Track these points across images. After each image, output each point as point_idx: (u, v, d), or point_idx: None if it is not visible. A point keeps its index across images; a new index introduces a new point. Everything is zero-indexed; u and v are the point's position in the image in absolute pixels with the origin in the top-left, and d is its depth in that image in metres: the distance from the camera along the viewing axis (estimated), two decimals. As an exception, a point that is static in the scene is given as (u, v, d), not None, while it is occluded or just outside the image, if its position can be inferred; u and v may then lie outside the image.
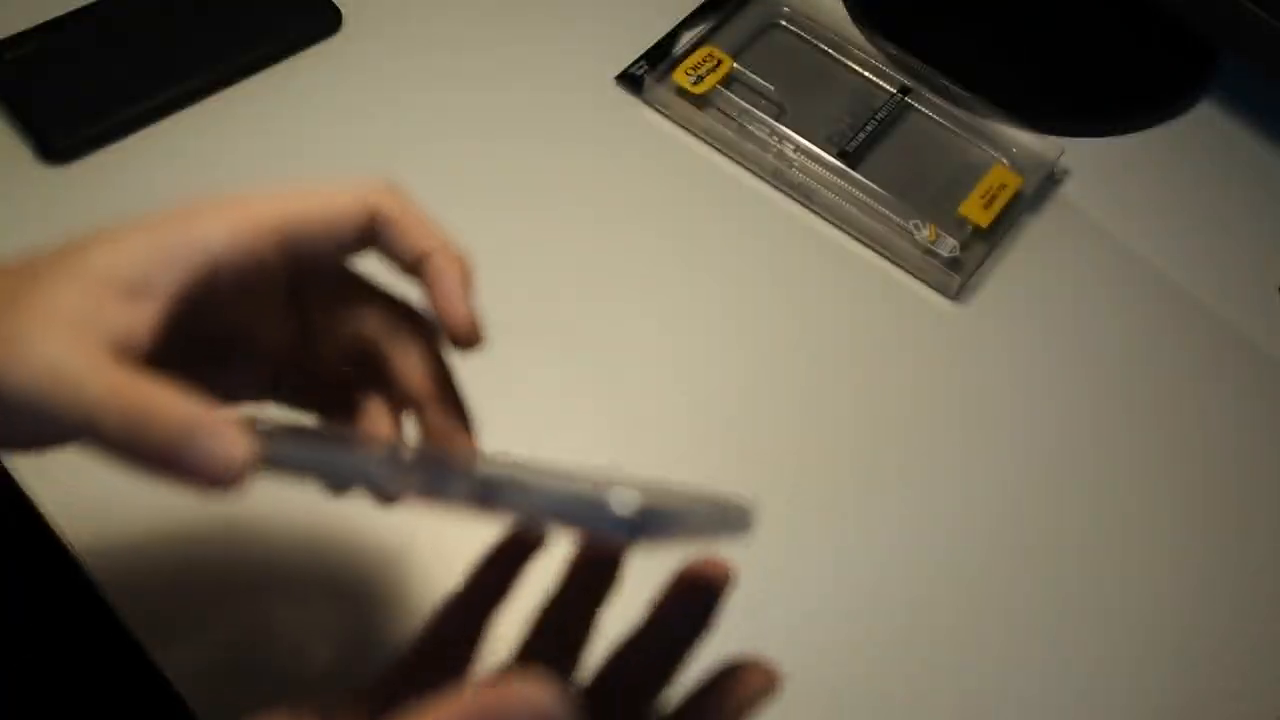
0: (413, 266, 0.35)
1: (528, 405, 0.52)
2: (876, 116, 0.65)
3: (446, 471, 0.30)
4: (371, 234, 0.34)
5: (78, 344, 0.29)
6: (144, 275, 0.30)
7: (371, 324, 0.36)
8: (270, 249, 0.32)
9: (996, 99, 0.67)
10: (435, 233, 0.35)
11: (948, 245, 0.60)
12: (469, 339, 0.35)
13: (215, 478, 0.29)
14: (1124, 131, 0.69)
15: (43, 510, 0.45)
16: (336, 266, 0.36)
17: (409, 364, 0.36)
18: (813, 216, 0.62)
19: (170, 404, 0.29)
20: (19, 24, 0.58)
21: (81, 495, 0.46)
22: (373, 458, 0.32)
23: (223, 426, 0.29)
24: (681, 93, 0.63)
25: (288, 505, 0.47)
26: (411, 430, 0.37)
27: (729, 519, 0.31)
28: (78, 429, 0.29)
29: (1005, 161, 0.65)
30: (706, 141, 0.63)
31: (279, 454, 0.30)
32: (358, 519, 0.46)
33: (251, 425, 0.30)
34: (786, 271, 0.60)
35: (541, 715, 0.25)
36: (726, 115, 0.63)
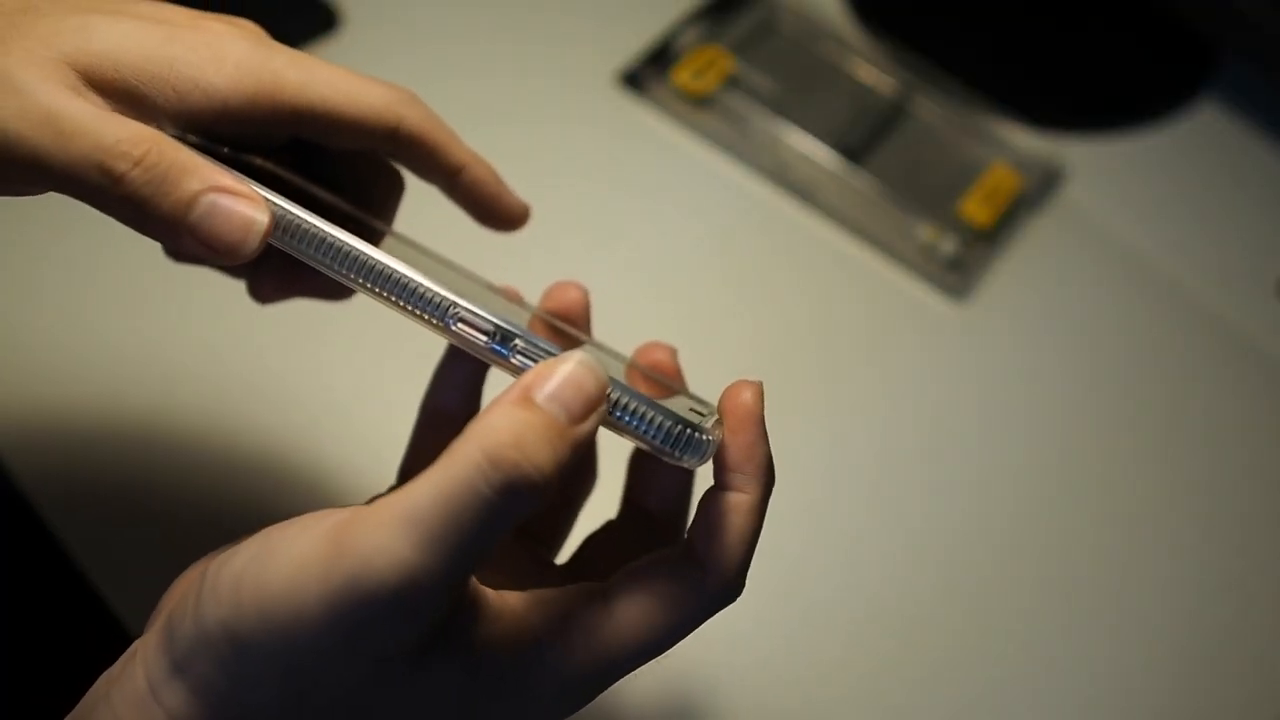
0: (447, 178, 0.35)
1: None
2: (876, 116, 0.65)
3: (509, 327, 0.28)
4: (392, 144, 0.34)
5: (78, 90, 0.28)
6: (139, 91, 0.29)
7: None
8: (283, 122, 0.32)
9: (997, 99, 0.67)
10: (464, 145, 0.35)
11: (948, 245, 0.60)
12: (523, 216, 0.38)
13: (230, 242, 0.28)
14: (1124, 131, 0.69)
15: (38, 509, 0.45)
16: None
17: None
18: (813, 216, 0.62)
19: (192, 161, 0.28)
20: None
21: (75, 487, 0.46)
22: (430, 286, 0.29)
23: (244, 189, 0.28)
24: (682, 92, 0.63)
25: (291, 505, 0.47)
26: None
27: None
28: (83, 182, 0.28)
29: (1006, 161, 0.65)
30: (706, 141, 0.63)
31: (294, 227, 0.28)
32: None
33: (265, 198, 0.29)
34: (786, 271, 0.60)
35: (588, 367, 0.25)
36: (727, 115, 0.63)
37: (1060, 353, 0.60)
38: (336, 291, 0.37)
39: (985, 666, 0.50)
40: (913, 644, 0.50)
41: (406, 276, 0.28)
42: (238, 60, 0.31)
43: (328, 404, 0.50)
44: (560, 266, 0.57)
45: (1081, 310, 0.62)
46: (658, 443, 0.27)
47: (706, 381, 0.57)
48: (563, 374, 0.25)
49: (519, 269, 0.56)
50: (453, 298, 0.28)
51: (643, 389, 0.31)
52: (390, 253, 0.28)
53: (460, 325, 0.28)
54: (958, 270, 0.60)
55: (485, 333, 0.28)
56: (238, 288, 0.38)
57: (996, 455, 0.56)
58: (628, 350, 0.36)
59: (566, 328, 0.35)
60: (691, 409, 0.29)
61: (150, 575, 0.45)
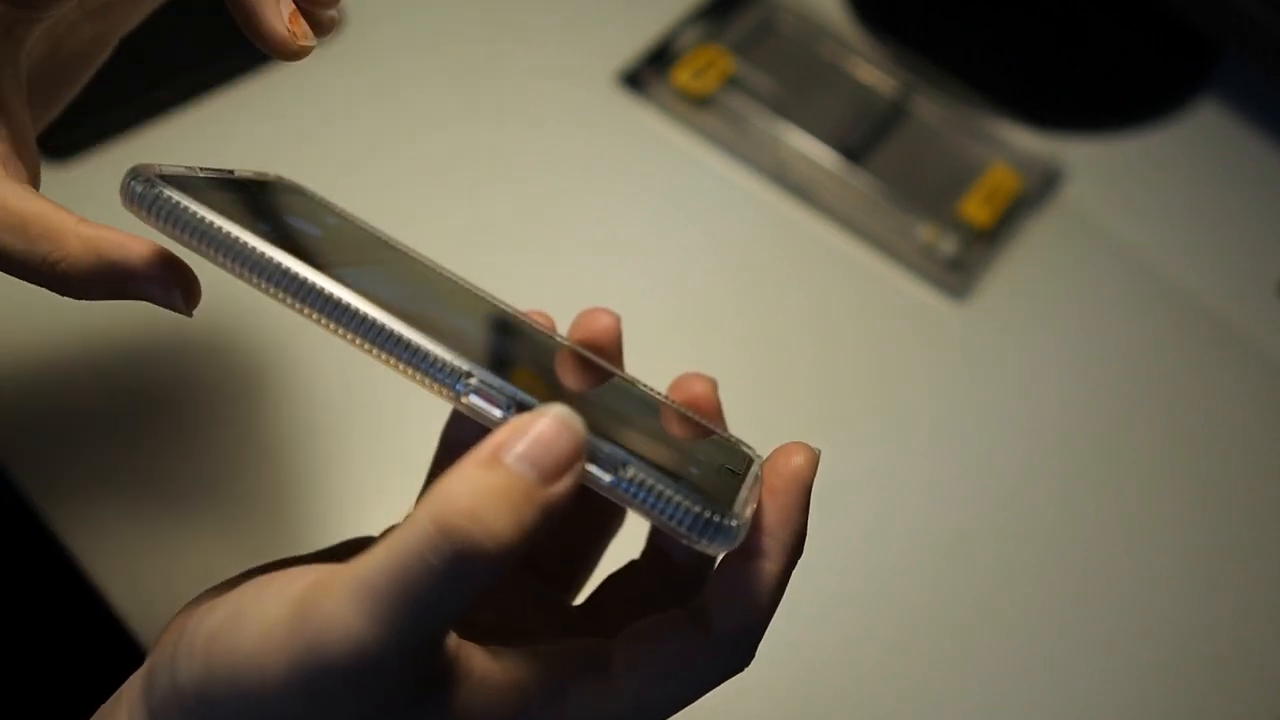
0: None
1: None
2: (876, 116, 0.65)
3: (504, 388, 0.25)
4: None
5: None
6: None
7: None
8: None
9: (997, 98, 0.67)
10: None
11: (948, 245, 0.60)
12: (287, 50, 0.31)
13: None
14: (1124, 131, 0.69)
15: (43, 514, 0.45)
16: None
17: None
18: (813, 216, 0.62)
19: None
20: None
21: (76, 488, 0.46)
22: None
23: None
24: (682, 92, 0.63)
25: (291, 505, 0.47)
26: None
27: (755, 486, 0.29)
28: None
29: (1006, 161, 0.65)
30: (706, 141, 0.63)
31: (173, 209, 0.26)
32: (373, 525, 0.47)
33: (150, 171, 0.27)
34: (786, 271, 0.60)
35: (563, 423, 0.24)
36: (727, 115, 0.63)
37: (1060, 352, 0.60)
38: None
39: (984, 666, 0.50)
40: (912, 643, 0.50)
41: (316, 285, 0.25)
42: None
43: (341, 403, 0.50)
44: (560, 267, 0.57)
45: (1081, 310, 0.62)
46: (680, 528, 0.25)
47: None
48: (535, 431, 0.24)
49: (518, 269, 0.56)
50: (410, 336, 0.25)
51: (678, 431, 0.30)
52: (356, 274, 0.26)
53: (405, 363, 0.25)
54: (958, 270, 0.60)
55: (449, 375, 0.25)
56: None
57: (996, 454, 0.56)
58: (665, 377, 0.35)
59: (595, 358, 0.33)
60: (725, 467, 0.27)
61: (152, 576, 0.45)
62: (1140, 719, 0.49)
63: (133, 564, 0.45)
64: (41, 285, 0.29)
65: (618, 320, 0.34)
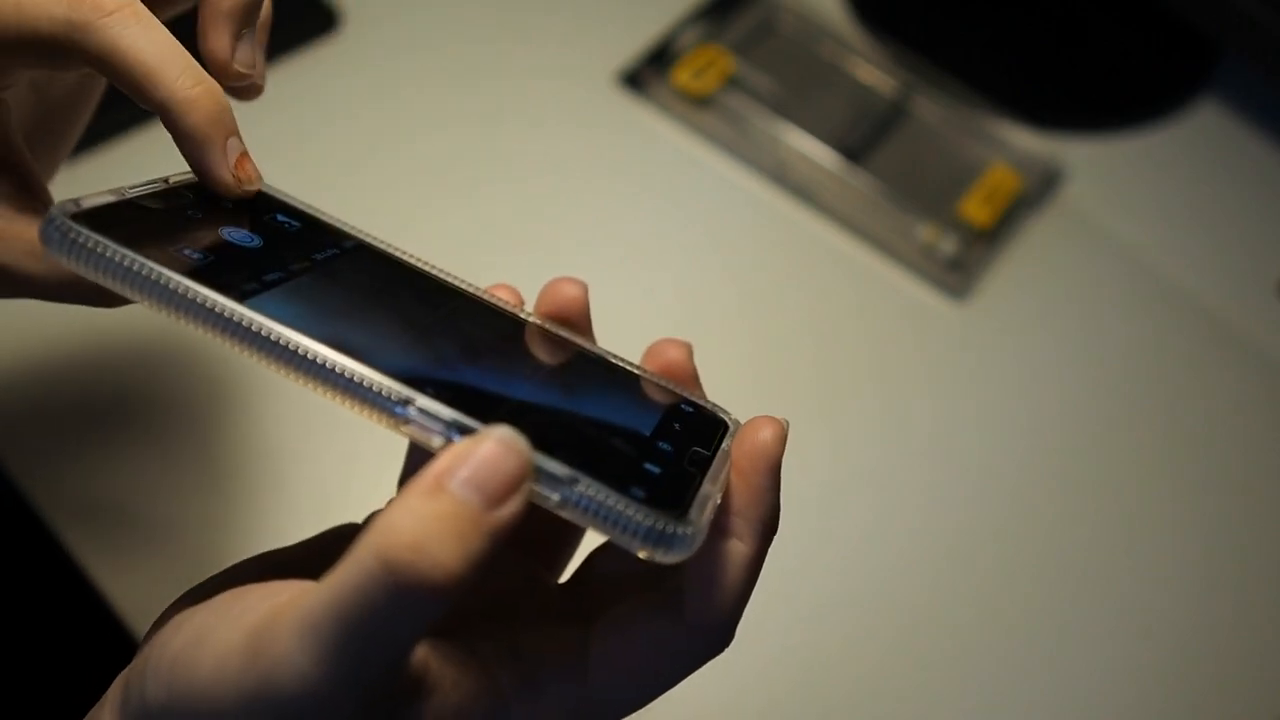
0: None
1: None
2: (876, 116, 0.65)
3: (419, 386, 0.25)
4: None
5: None
6: None
7: None
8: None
9: (997, 99, 0.67)
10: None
11: (948, 245, 0.60)
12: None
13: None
14: (1124, 131, 0.69)
15: (39, 509, 0.45)
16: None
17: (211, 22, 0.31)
18: (813, 216, 0.62)
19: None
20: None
21: (77, 489, 0.46)
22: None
23: None
24: (682, 92, 0.63)
25: (290, 505, 0.47)
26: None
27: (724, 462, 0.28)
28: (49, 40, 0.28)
29: (1006, 161, 0.65)
30: (706, 141, 0.63)
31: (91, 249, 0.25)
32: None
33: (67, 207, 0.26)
34: (786, 271, 0.60)
35: (507, 445, 0.23)
36: (727, 115, 0.63)
37: (1060, 352, 0.60)
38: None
39: (984, 665, 0.50)
40: (912, 643, 0.50)
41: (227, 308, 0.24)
42: None
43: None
44: (560, 267, 0.57)
45: (1081, 310, 0.62)
46: (634, 541, 0.24)
47: (705, 382, 0.57)
48: (478, 455, 0.23)
49: (517, 269, 0.56)
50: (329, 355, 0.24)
51: (647, 404, 0.30)
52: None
53: (337, 391, 0.25)
54: (958, 270, 0.60)
55: (386, 401, 0.24)
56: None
57: (996, 454, 0.56)
58: (638, 346, 0.34)
59: (563, 332, 0.33)
60: (692, 450, 0.27)
61: (152, 575, 0.45)
62: (1140, 719, 0.49)
63: (133, 564, 0.45)
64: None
65: (584, 289, 0.33)
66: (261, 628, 0.23)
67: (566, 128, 0.62)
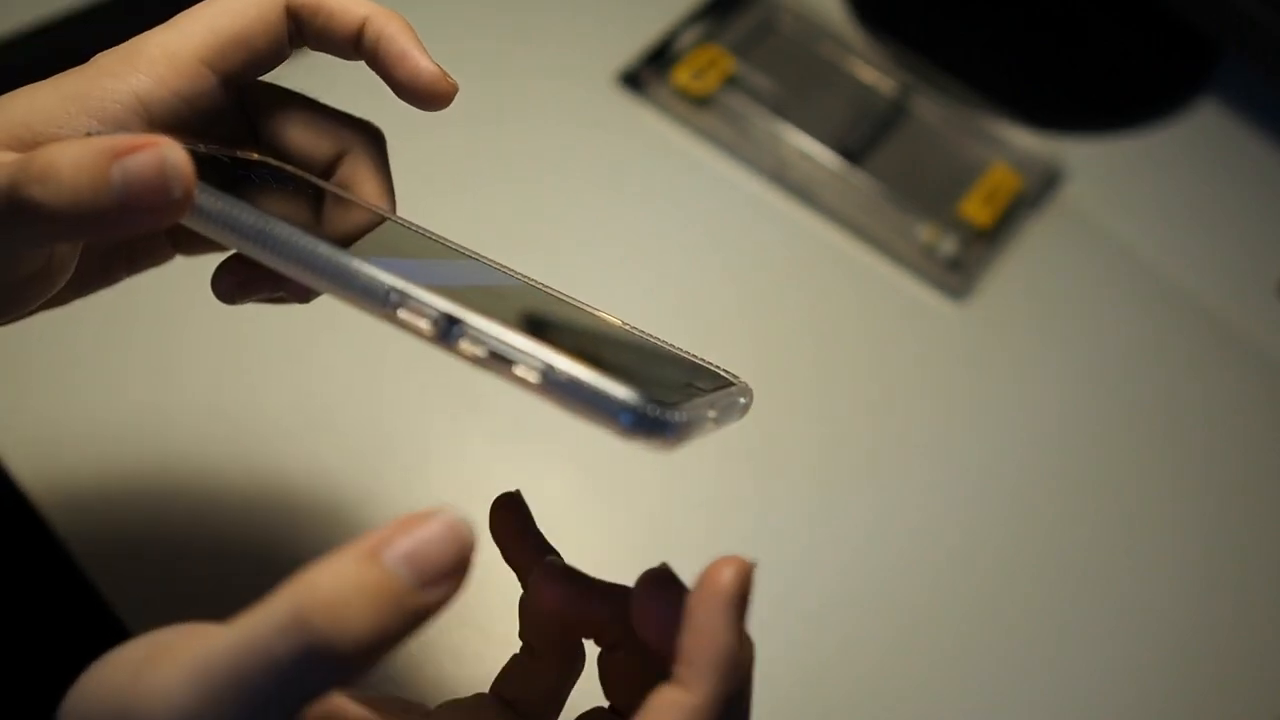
0: (352, 42, 0.33)
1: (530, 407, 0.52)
2: (876, 116, 0.65)
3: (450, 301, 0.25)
4: (297, 31, 0.33)
5: None
6: (55, 129, 0.29)
7: (318, 138, 0.35)
8: (200, 82, 0.31)
9: (997, 99, 0.67)
10: (361, 1, 0.33)
11: (948, 245, 0.60)
12: (437, 92, 0.33)
13: (155, 199, 0.25)
14: (1124, 131, 0.69)
15: (40, 507, 0.45)
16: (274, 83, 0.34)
17: (360, 174, 0.35)
18: (813, 216, 0.62)
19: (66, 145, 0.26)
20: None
21: (75, 487, 0.46)
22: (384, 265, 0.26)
23: (139, 139, 0.25)
24: (682, 92, 0.63)
25: (288, 504, 0.47)
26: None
27: (728, 407, 0.28)
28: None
29: (1006, 161, 0.65)
30: (706, 141, 0.63)
31: (212, 201, 0.26)
32: (372, 520, 0.47)
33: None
34: (786, 271, 0.60)
35: (452, 529, 0.23)
36: (727, 115, 0.63)
37: (1060, 352, 0.60)
38: (297, 291, 0.34)
39: (984, 665, 0.50)
40: (912, 643, 0.50)
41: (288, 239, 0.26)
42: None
43: (343, 403, 0.50)
44: (560, 267, 0.57)
45: (1081, 310, 0.62)
46: (611, 417, 0.23)
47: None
48: (421, 533, 0.22)
49: (518, 266, 0.56)
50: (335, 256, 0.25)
51: (665, 350, 0.28)
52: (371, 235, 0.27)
53: (329, 282, 0.25)
54: (958, 270, 0.60)
55: (376, 291, 0.25)
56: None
57: (996, 454, 0.56)
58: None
59: (591, 307, 0.33)
60: (691, 384, 0.26)
61: (152, 575, 0.45)
62: (1140, 719, 0.49)
63: (133, 564, 0.45)
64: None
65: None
66: (155, 653, 0.23)
67: (566, 128, 0.62)
